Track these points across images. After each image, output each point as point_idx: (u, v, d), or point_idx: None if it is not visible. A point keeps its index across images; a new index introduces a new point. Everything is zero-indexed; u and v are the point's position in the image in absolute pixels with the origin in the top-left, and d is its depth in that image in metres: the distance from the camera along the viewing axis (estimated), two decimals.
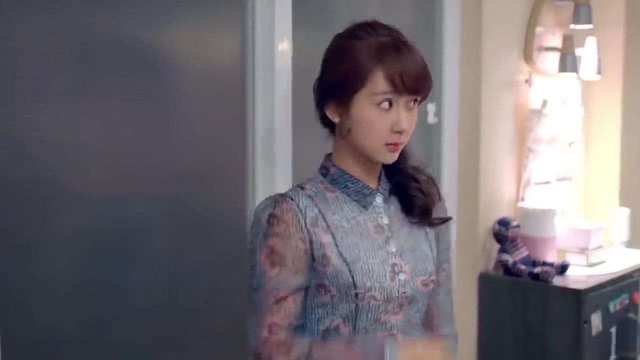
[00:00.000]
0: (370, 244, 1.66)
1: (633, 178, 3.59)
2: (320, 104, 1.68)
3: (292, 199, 1.65)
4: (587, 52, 3.26)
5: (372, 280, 1.62)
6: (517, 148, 3.13)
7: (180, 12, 2.13)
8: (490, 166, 3.01)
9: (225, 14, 2.23)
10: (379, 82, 1.57)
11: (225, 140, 2.27)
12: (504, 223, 2.97)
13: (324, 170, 1.71)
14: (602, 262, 3.14)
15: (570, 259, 3.08)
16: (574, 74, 3.19)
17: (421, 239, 1.73)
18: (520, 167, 3.15)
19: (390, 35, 1.62)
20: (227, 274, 2.25)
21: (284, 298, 1.62)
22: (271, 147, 2.28)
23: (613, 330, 2.93)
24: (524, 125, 3.14)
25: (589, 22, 3.19)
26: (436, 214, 1.74)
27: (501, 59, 3.04)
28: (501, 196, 3.08)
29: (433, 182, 1.77)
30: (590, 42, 3.26)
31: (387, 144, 1.61)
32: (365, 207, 1.69)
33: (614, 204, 3.48)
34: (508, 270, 2.96)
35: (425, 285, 1.70)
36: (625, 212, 3.40)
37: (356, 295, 1.62)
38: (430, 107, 2.86)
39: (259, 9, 2.25)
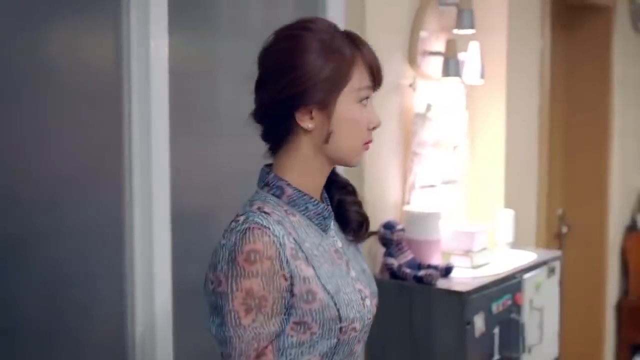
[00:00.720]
0: (339, 271, 1.52)
1: (517, 180, 3.65)
2: (287, 112, 1.47)
3: (267, 228, 1.41)
4: (471, 57, 3.30)
5: (354, 311, 1.50)
6: (402, 152, 3.14)
7: (53, 13, 2.05)
8: (375, 170, 3.01)
9: (100, 15, 2.16)
10: (362, 75, 1.48)
11: (101, 144, 2.19)
12: (389, 227, 2.97)
13: (277, 191, 1.51)
14: (486, 263, 3.18)
15: (455, 261, 3.11)
16: (457, 78, 3.22)
17: (360, 257, 1.65)
18: (405, 171, 3.16)
19: (337, 31, 1.52)
20: (105, 283, 2.18)
21: (264, 349, 1.42)
22: (148, 150, 2.22)
23: (496, 330, 2.96)
24: (409, 129, 3.15)
25: (471, 26, 3.23)
26: None
27: (386, 63, 3.00)
28: (386, 200, 3.08)
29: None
30: (474, 46, 3.30)
31: (364, 144, 1.52)
32: (325, 230, 1.54)
33: (499, 206, 3.53)
34: (394, 273, 2.96)
35: (376, 306, 1.62)
36: (510, 213, 3.45)
37: (340, 329, 1.47)
38: None
39: (134, 8, 2.18)
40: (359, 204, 1.62)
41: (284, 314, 1.43)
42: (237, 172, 2.61)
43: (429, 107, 3.20)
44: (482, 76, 3.33)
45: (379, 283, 2.95)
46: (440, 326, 2.87)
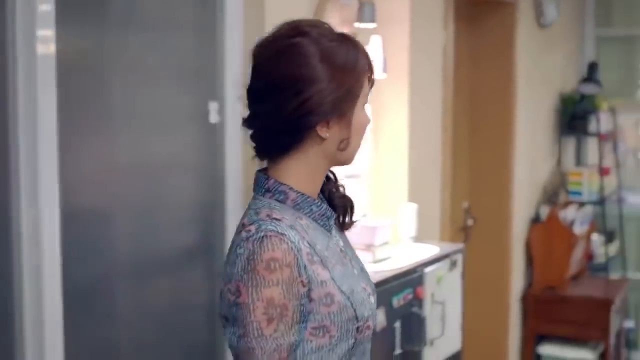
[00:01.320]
0: (349, 270, 1.51)
1: (421, 174, 3.67)
2: (307, 126, 1.43)
3: (283, 234, 1.39)
4: (373, 51, 3.29)
5: (367, 309, 1.48)
6: None
7: None
8: None
9: None
10: (366, 80, 1.49)
11: None
12: None
13: (281, 195, 1.47)
14: (389, 257, 3.18)
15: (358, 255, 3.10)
16: None
17: (356, 254, 1.62)
18: None
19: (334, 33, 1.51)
20: None
21: (285, 358, 1.39)
22: (34, 145, 2.14)
23: (397, 325, 2.97)
24: None
25: (373, 20, 3.22)
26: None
27: None
28: None
29: None
30: (376, 40, 3.30)
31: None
32: (329, 231, 1.52)
33: (403, 200, 3.54)
34: None
35: (376, 304, 1.60)
36: (413, 207, 3.46)
37: (357, 329, 1.45)
38: (213, 106, 2.80)
39: None
40: (338, 188, 1.58)
41: (302, 322, 1.41)
42: (133, 168, 2.55)
43: None
44: (385, 70, 3.33)
45: None
46: None
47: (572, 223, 4.92)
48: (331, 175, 1.58)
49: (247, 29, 2.87)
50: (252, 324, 1.37)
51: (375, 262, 3.11)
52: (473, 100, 4.59)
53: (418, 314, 3.07)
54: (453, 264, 3.37)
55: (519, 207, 4.72)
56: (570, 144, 5.50)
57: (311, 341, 1.42)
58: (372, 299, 1.54)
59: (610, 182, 5.45)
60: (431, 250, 3.33)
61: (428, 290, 3.17)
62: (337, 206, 1.56)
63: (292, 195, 1.47)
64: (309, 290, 1.40)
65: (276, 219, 1.42)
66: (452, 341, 3.40)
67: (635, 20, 5.83)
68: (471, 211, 4.58)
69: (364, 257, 3.06)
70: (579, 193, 5.13)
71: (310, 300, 1.41)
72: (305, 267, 1.39)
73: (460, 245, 3.51)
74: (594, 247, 5.25)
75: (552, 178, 5.19)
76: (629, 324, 5.35)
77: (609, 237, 5.41)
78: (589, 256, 5.22)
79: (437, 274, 3.24)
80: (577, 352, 4.79)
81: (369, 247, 3.12)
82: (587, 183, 5.12)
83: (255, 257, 1.37)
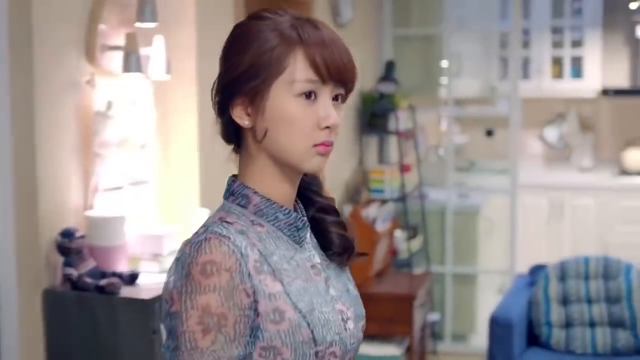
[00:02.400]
0: (316, 288, 1.35)
1: (212, 178, 3.56)
2: (224, 106, 1.36)
3: (226, 237, 1.26)
4: (155, 51, 3.16)
5: (332, 333, 1.32)
6: (82, 153, 2.94)
7: None
8: (51, 174, 2.79)
9: None
10: (299, 66, 1.31)
11: None
12: (67, 234, 2.77)
13: (243, 199, 1.36)
14: None
15: (144, 266, 2.97)
16: (139, 74, 3.06)
17: (345, 276, 1.46)
18: (87, 174, 2.96)
19: (304, 17, 1.36)
20: None
21: None
22: None
23: None
24: (89, 128, 2.96)
25: (154, 20, 3.09)
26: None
27: (59, 59, 2.83)
28: (66, 205, 2.87)
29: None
30: (158, 40, 3.17)
31: (315, 145, 1.32)
32: (299, 243, 1.37)
33: (195, 206, 3.43)
34: (74, 284, 2.76)
35: (362, 331, 1.43)
36: (205, 213, 3.35)
37: (316, 354, 1.29)
38: None
39: None
40: (341, 226, 1.44)
41: (249, 337, 1.26)
42: None
43: (109, 105, 3.02)
44: (168, 71, 3.20)
45: (59, 295, 2.79)
46: (127, 337, 2.72)
47: (374, 220, 4.97)
48: (325, 206, 1.44)
49: (12, 31, 2.66)
50: (185, 334, 1.23)
51: (163, 272, 2.98)
52: None
53: None
54: None
55: None
56: (372, 142, 5.57)
57: None
58: (352, 325, 1.38)
59: (412, 178, 5.56)
60: None
61: None
62: (333, 243, 1.42)
63: (255, 199, 1.36)
64: (255, 302, 1.26)
65: (227, 222, 1.31)
66: None
67: (431, 19, 5.98)
68: None
69: (150, 267, 2.95)
70: (380, 191, 5.19)
71: (257, 314, 1.26)
72: (250, 275, 1.26)
73: None
74: (397, 244, 5.32)
75: (354, 177, 5.23)
76: (434, 316, 5.46)
77: (412, 233, 5.51)
78: (393, 252, 5.29)
79: None
80: (383, 348, 4.84)
81: (155, 256, 2.99)
82: (389, 180, 5.19)
83: (191, 260, 1.25)
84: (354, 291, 1.46)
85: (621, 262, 4.43)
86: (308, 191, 1.45)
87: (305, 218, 1.41)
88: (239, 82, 1.34)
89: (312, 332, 1.29)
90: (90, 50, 2.94)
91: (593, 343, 4.26)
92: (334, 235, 1.43)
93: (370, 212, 5.00)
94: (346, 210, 4.95)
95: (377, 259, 4.95)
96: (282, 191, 1.38)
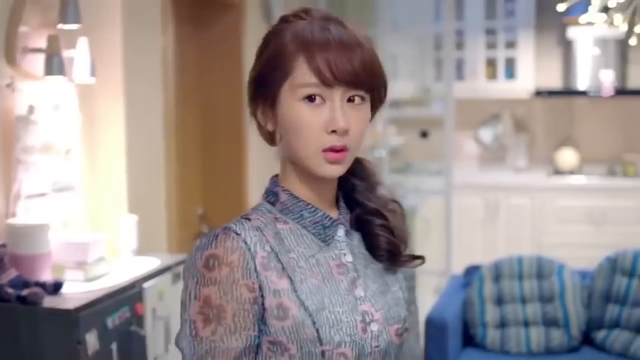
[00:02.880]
0: (335, 287, 1.35)
1: (142, 184, 3.49)
2: (251, 107, 1.39)
3: (237, 233, 1.30)
4: (79, 54, 3.07)
5: (342, 334, 1.31)
6: (4, 159, 2.85)
7: None
8: None
9: None
10: (302, 70, 1.30)
11: None
12: None
13: (272, 197, 1.38)
14: (105, 274, 2.98)
15: (69, 275, 2.88)
16: (62, 77, 2.98)
17: (390, 278, 1.44)
18: (9, 180, 2.87)
19: (325, 19, 1.35)
20: None
21: None
22: None
23: (114, 346, 2.78)
24: (10, 134, 2.86)
25: (77, 21, 3.00)
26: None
27: None
28: None
29: (402, 214, 1.47)
30: (82, 43, 3.08)
31: (324, 150, 1.31)
32: (325, 241, 1.38)
33: (123, 212, 3.35)
34: None
35: (399, 335, 1.40)
36: (133, 219, 3.28)
37: (322, 353, 1.30)
38: None
39: None
40: (388, 230, 1.42)
41: (253, 330, 1.30)
42: None
43: (31, 109, 2.93)
44: (93, 74, 3.12)
45: None
46: (50, 349, 2.63)
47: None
48: (373, 209, 1.43)
49: None
50: (187, 322, 1.30)
51: (89, 280, 2.90)
52: (203, 104, 4.47)
53: (137, 333, 2.90)
54: (177, 277, 3.22)
55: None
56: None
57: (270, 357, 1.32)
58: (376, 327, 1.36)
59: None
60: (152, 263, 3.17)
61: (149, 306, 3.00)
62: (380, 247, 1.42)
63: (283, 197, 1.38)
64: (262, 297, 1.30)
65: (247, 219, 1.35)
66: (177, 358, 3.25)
67: (365, 21, 5.96)
68: (206, 217, 4.46)
69: (75, 276, 2.86)
70: None
71: (264, 309, 1.30)
72: (256, 270, 1.29)
73: (183, 256, 3.36)
74: None
75: None
76: None
77: None
78: None
79: (158, 288, 3.08)
80: None
81: (80, 264, 2.90)
82: None
83: (197, 254, 1.30)
84: (398, 294, 1.44)
85: (554, 261, 4.46)
86: (355, 192, 1.44)
87: (338, 218, 1.41)
88: (256, 86, 1.37)
89: (317, 330, 1.30)
90: (10, 52, 2.85)
91: (527, 343, 4.28)
92: (379, 238, 1.43)
93: None
94: None
95: None
96: (311, 191, 1.38)
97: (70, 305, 2.64)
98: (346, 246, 1.41)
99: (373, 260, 1.44)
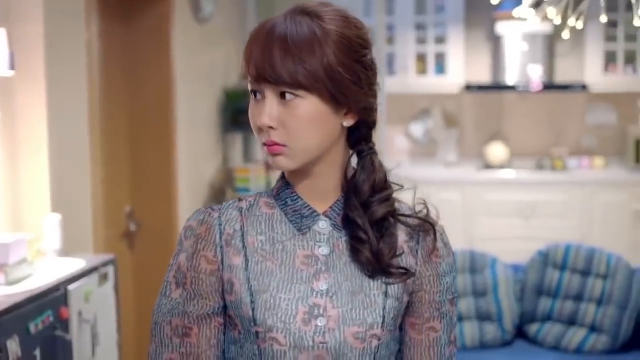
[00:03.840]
0: (290, 275, 1.37)
1: (64, 182, 3.35)
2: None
3: (217, 210, 1.41)
4: None
5: (276, 319, 1.34)
6: None
7: None
8: None
9: None
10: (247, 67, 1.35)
11: None
12: None
13: (276, 183, 1.45)
14: (28, 277, 2.85)
15: None
16: None
17: (374, 283, 1.39)
18: None
19: (292, 12, 1.34)
20: None
21: (189, 330, 1.38)
22: None
23: (37, 352, 2.66)
24: None
25: None
26: (422, 267, 1.43)
27: None
28: None
29: (419, 231, 1.44)
30: (0, 34, 2.94)
31: (263, 144, 1.35)
32: (300, 230, 1.40)
33: (46, 212, 3.21)
34: None
35: (360, 339, 1.35)
36: (56, 218, 3.15)
37: (257, 334, 1.35)
38: None
39: None
40: (359, 241, 1.38)
41: (210, 300, 1.39)
42: None
43: None
44: (13, 67, 2.97)
45: None
46: None
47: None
48: (351, 203, 1.40)
49: None
50: (165, 283, 1.41)
51: (10, 284, 2.76)
52: (131, 99, 4.34)
53: (62, 337, 2.78)
54: (104, 278, 3.10)
55: (186, 207, 4.54)
56: (237, 140, 5.43)
57: (231, 330, 1.41)
58: (323, 322, 1.34)
59: (276, 176, 5.45)
60: (77, 264, 3.04)
61: (74, 309, 2.88)
62: (361, 260, 1.39)
63: (278, 184, 1.44)
64: (221, 271, 1.38)
65: (239, 199, 1.43)
66: None
67: None
68: (135, 215, 4.33)
69: None
70: (246, 190, 5.06)
71: (222, 282, 1.39)
72: (221, 246, 1.38)
73: (110, 256, 3.25)
74: None
75: (218, 176, 5.08)
76: None
77: None
78: None
79: (84, 290, 2.96)
80: None
81: (1, 267, 2.76)
82: (255, 179, 5.06)
83: (184, 225, 1.42)
84: (376, 298, 1.39)
85: (487, 256, 4.46)
86: (350, 194, 1.42)
87: (317, 209, 1.41)
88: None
89: (252, 311, 1.35)
90: None
91: (462, 338, 4.27)
92: (358, 252, 1.40)
93: None
94: None
95: None
96: (300, 181, 1.41)
97: None
98: (327, 239, 1.40)
99: (358, 260, 1.41)
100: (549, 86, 6.79)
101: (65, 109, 3.36)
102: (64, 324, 2.80)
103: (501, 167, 6.92)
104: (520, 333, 4.40)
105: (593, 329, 4.24)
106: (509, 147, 6.99)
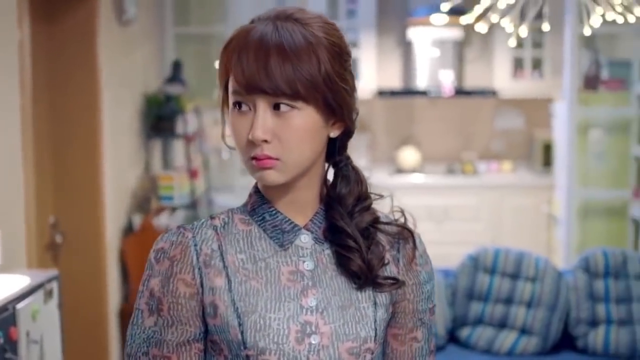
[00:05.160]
0: (277, 293, 1.30)
1: (2, 195, 3.15)
2: (221, 110, 1.35)
3: (189, 230, 1.32)
4: None
5: (267, 340, 1.27)
6: None
7: None
8: None
9: None
10: (232, 78, 1.27)
11: None
12: None
13: (248, 197, 1.37)
14: None
15: None
16: None
17: (363, 295, 1.35)
18: None
19: (276, 18, 1.27)
20: None
21: (166, 358, 1.29)
22: None
23: None
24: None
25: None
26: (405, 276, 1.39)
27: None
28: None
29: (399, 239, 1.39)
30: None
31: (251, 158, 1.27)
32: (282, 246, 1.33)
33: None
34: None
35: (355, 354, 1.31)
36: None
37: (247, 357, 1.27)
38: None
39: None
40: (359, 252, 1.34)
41: (190, 326, 1.30)
42: None
43: None
44: None
45: None
46: None
47: (167, 229, 4.69)
48: (333, 214, 1.36)
49: None
50: (136, 311, 1.32)
51: None
52: (55, 105, 4.13)
53: None
54: (49, 294, 2.93)
55: (111, 216, 4.37)
56: (156, 146, 5.26)
57: (213, 355, 1.33)
58: (313, 339, 1.29)
59: (199, 184, 5.33)
60: (22, 281, 2.86)
61: (22, 329, 2.70)
62: (349, 269, 1.34)
63: (253, 198, 1.36)
64: (201, 294, 1.30)
65: (211, 217, 1.36)
66: None
67: (211, 18, 5.78)
68: (59, 226, 4.13)
69: None
70: (170, 198, 4.92)
71: (203, 306, 1.31)
72: (199, 268, 1.30)
73: (54, 272, 3.07)
74: None
75: (141, 184, 4.91)
76: None
77: None
78: None
79: (32, 308, 2.78)
80: None
81: None
82: (178, 186, 4.92)
83: (154, 246, 1.33)
84: (366, 310, 1.35)
85: None
86: (333, 206, 1.37)
87: (298, 223, 1.35)
88: (220, 83, 1.33)
89: (241, 333, 1.28)
90: None
91: None
92: (348, 260, 1.35)
93: (162, 220, 4.73)
94: (136, 220, 4.64)
95: None
96: (278, 195, 1.35)
97: None
98: (310, 253, 1.35)
99: (344, 273, 1.35)
100: (459, 91, 6.90)
101: (0, 116, 3.16)
102: (13, 346, 2.62)
103: (413, 171, 6.98)
104: (452, 337, 4.42)
105: (523, 331, 4.31)
106: (420, 152, 7.07)
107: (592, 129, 5.63)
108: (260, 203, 1.35)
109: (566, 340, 4.33)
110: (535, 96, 6.89)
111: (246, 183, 5.85)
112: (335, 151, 1.38)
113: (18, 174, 3.33)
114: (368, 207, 1.38)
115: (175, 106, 4.96)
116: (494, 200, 6.69)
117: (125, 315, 4.56)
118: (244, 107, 1.27)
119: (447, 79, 6.77)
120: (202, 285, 1.30)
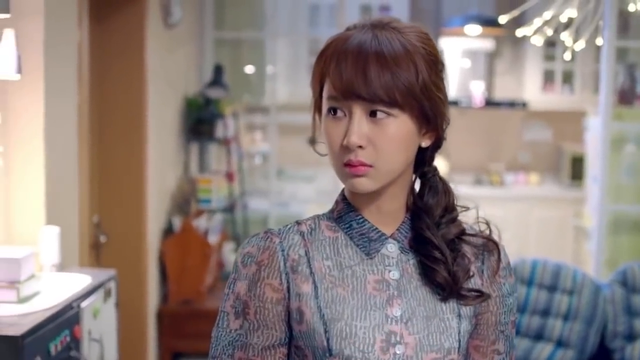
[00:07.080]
0: (363, 301, 1.31)
1: (60, 192, 3.17)
2: (313, 117, 1.37)
3: (276, 235, 1.34)
4: (6, 47, 2.73)
5: (353, 348, 1.27)
6: None
7: None
8: None
9: None
10: (329, 84, 1.28)
11: None
12: None
13: (334, 205, 1.38)
14: (37, 293, 2.67)
15: (0, 295, 2.55)
16: None
17: (447, 306, 1.35)
18: None
19: (374, 27, 1.28)
20: None
21: None
22: None
23: None
24: None
25: (7, 10, 2.68)
26: (489, 288, 1.39)
27: None
28: None
29: (484, 251, 1.39)
30: (9, 35, 2.74)
31: (344, 165, 1.27)
32: (369, 254, 1.34)
33: (41, 223, 3.02)
34: None
35: None
36: (55, 230, 2.97)
37: None
38: None
39: None
40: (444, 264, 1.34)
41: (276, 330, 1.32)
42: None
43: None
44: (20, 70, 2.76)
45: None
46: None
47: (206, 233, 4.71)
48: (421, 224, 1.36)
49: None
50: (222, 314, 1.34)
51: (22, 301, 2.58)
52: (104, 104, 4.15)
53: (76, 358, 2.61)
54: (108, 294, 2.95)
55: (153, 218, 4.38)
56: (193, 149, 5.28)
57: None
58: (401, 350, 1.30)
59: (236, 187, 5.35)
60: (83, 280, 2.87)
61: (85, 327, 2.72)
62: (434, 279, 1.34)
63: (340, 205, 1.37)
64: (288, 299, 1.31)
65: (298, 223, 1.37)
66: None
67: (245, 23, 5.80)
68: (102, 226, 4.15)
69: (4, 295, 2.54)
70: (208, 200, 4.93)
71: (289, 311, 1.32)
72: (286, 273, 1.31)
73: (112, 272, 3.07)
74: (225, 256, 5.10)
75: (180, 186, 4.93)
76: None
77: (239, 244, 5.30)
78: (220, 265, 5.06)
79: (93, 307, 2.80)
80: None
81: (12, 284, 2.58)
82: (216, 190, 4.94)
83: (240, 250, 1.36)
84: (451, 322, 1.35)
85: None
86: (420, 217, 1.37)
87: (386, 232, 1.36)
88: (312, 90, 1.35)
89: (327, 340, 1.28)
90: None
91: None
92: (433, 271, 1.35)
93: (201, 223, 4.75)
94: (176, 222, 4.65)
95: (210, 274, 4.70)
96: (365, 202, 1.35)
97: (13, 331, 2.32)
98: (396, 263, 1.35)
99: (429, 283, 1.36)
100: (489, 102, 6.91)
101: (60, 115, 3.16)
102: (77, 344, 2.64)
103: None
104: None
105: (560, 343, 4.31)
106: (448, 162, 7.07)
107: (625, 144, 5.64)
108: (347, 210, 1.36)
109: (603, 354, 4.33)
110: (565, 109, 6.89)
111: (280, 189, 5.87)
112: (424, 161, 1.39)
113: (73, 171, 3.35)
114: (455, 219, 1.39)
115: (215, 110, 4.98)
116: (521, 211, 6.70)
117: (163, 316, 4.57)
118: (339, 113, 1.28)
119: (477, 90, 6.78)
120: (289, 291, 1.31)
